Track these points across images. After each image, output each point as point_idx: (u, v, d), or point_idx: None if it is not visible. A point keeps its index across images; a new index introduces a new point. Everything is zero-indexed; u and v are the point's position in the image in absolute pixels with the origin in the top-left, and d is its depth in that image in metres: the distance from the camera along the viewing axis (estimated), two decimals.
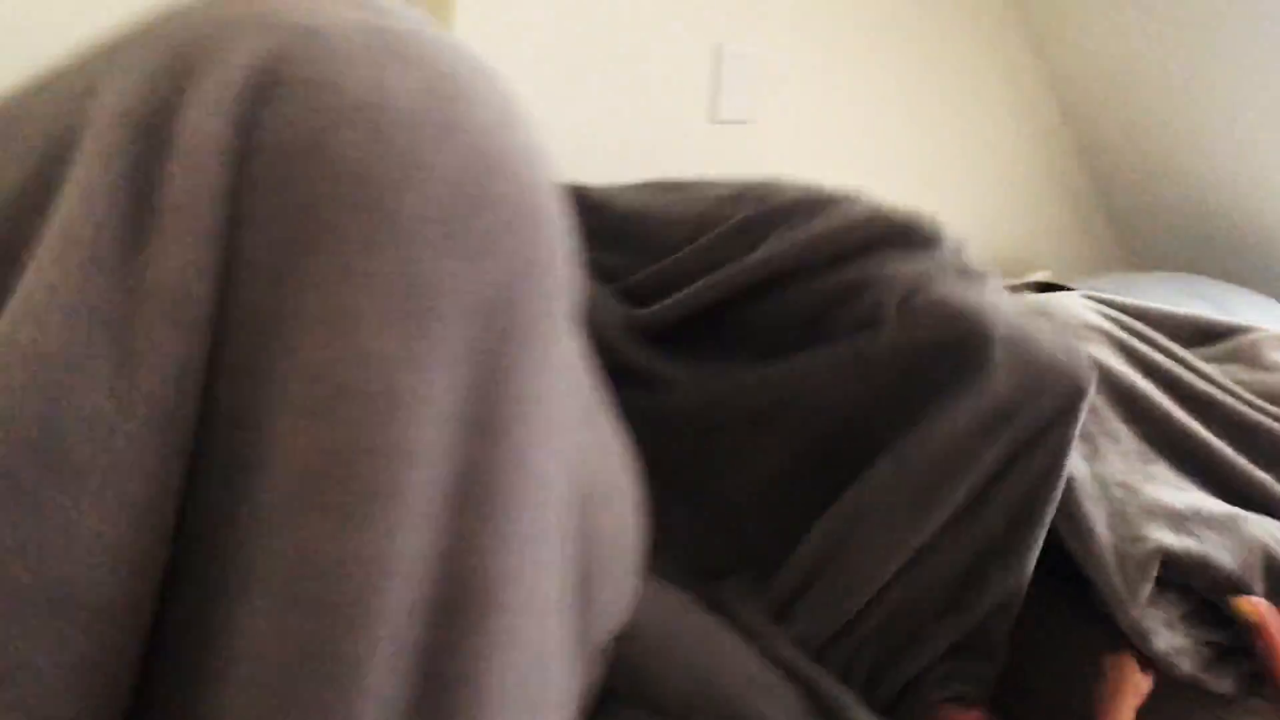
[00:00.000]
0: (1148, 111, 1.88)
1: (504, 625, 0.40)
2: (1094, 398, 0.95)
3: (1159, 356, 1.04)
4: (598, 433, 0.54)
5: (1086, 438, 0.95)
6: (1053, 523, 0.87)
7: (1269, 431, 1.00)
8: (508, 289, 0.40)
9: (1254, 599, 0.57)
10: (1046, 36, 1.95)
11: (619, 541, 0.63)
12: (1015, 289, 1.64)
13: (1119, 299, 1.20)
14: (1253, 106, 1.68)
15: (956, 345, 0.81)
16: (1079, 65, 1.94)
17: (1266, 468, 0.99)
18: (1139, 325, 1.10)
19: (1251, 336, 1.15)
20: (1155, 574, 0.86)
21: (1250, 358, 1.12)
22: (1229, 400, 1.02)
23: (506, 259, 0.40)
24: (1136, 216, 2.12)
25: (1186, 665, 0.84)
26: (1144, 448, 0.97)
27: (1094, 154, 2.08)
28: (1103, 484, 0.92)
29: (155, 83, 0.40)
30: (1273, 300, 1.69)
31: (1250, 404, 1.02)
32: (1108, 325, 1.07)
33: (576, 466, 0.47)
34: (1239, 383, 1.09)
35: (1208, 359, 1.14)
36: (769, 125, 1.73)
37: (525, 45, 1.49)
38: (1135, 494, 0.91)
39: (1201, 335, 1.18)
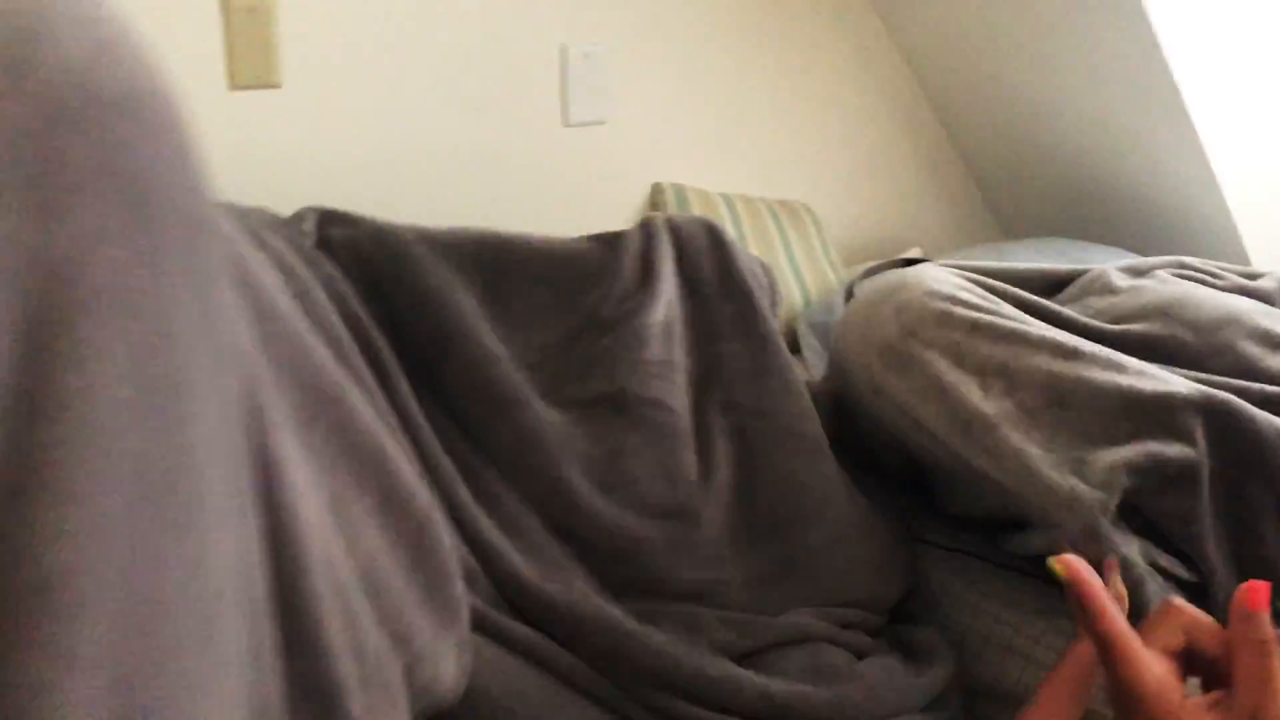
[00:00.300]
0: (1006, 86, 1.90)
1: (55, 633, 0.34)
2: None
3: (1011, 305, 1.06)
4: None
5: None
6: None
7: (1129, 336, 1.05)
8: (78, 256, 0.35)
9: (1066, 556, 0.54)
10: (897, 16, 1.96)
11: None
12: (882, 266, 1.64)
13: (980, 263, 1.22)
14: (1106, 75, 1.71)
15: None
16: (932, 44, 1.95)
17: None
18: (992, 281, 1.11)
19: (1094, 271, 1.20)
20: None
21: (1100, 288, 1.17)
22: (1088, 320, 1.08)
23: (76, 224, 0.34)
24: (1004, 188, 2.15)
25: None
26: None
27: (957, 131, 2.10)
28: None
29: None
30: (1128, 252, 1.72)
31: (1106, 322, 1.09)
32: (962, 283, 1.07)
33: (222, 460, 0.42)
34: (1093, 309, 1.13)
35: (1064, 301, 1.17)
36: (624, 125, 1.70)
37: (363, 58, 1.44)
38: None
39: (1053, 285, 1.21)
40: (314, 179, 1.39)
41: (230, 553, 0.43)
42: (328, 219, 1.00)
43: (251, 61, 1.35)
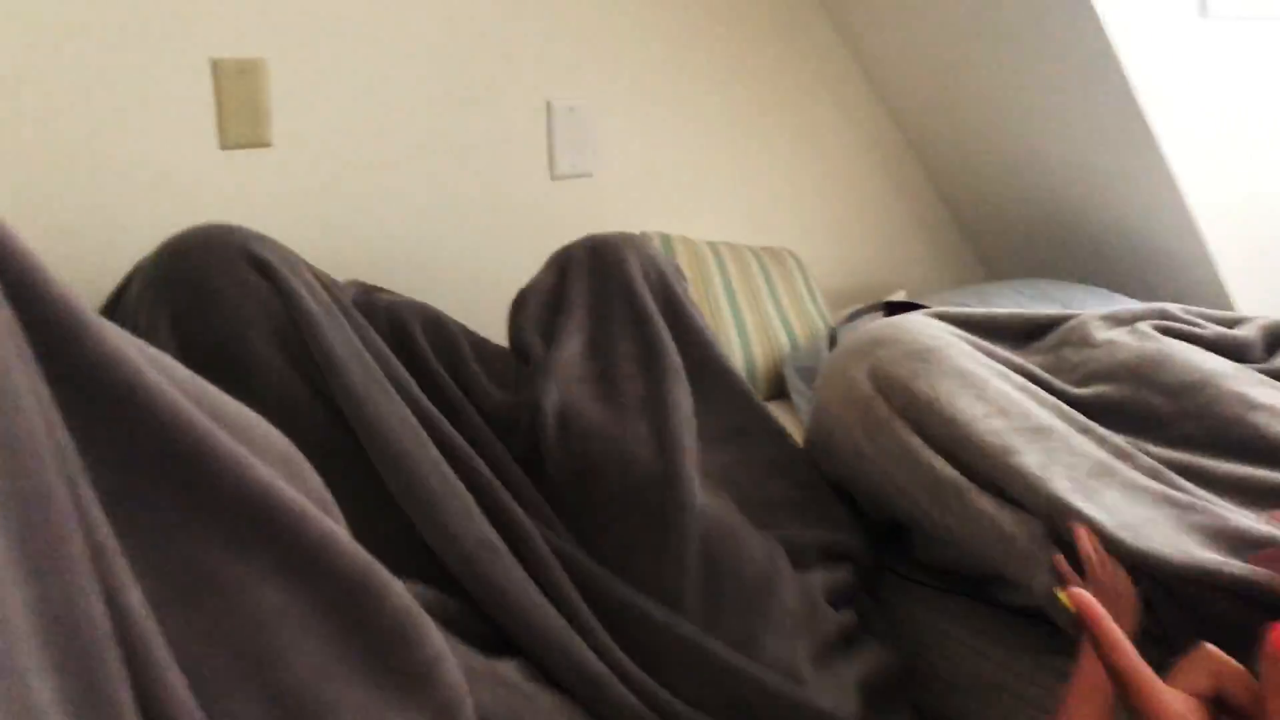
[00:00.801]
0: (985, 132, 1.94)
1: None
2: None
3: (986, 357, 1.08)
4: None
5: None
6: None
7: (1098, 401, 1.08)
8: None
9: (1075, 590, 0.55)
10: (879, 69, 2.00)
11: None
12: (865, 310, 1.66)
13: (962, 310, 1.24)
14: (1080, 119, 1.74)
15: None
16: (912, 92, 1.99)
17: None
18: (975, 338, 1.13)
19: (1075, 321, 1.21)
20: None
21: (1079, 339, 1.18)
22: (1062, 385, 1.11)
23: None
24: (986, 230, 2.18)
25: None
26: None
27: (939, 175, 2.13)
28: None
29: None
30: (1109, 292, 1.75)
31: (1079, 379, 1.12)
32: (939, 334, 1.09)
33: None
34: (1069, 363, 1.16)
35: (1043, 350, 1.19)
36: (610, 176, 1.73)
37: (353, 115, 1.46)
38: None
39: (1034, 330, 1.23)
40: (305, 234, 1.41)
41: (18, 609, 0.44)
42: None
43: (242, 121, 1.37)
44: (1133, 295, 1.75)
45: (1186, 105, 1.68)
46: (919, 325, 1.17)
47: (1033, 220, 2.04)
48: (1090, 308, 1.53)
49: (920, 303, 1.61)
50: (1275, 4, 1.74)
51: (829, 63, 1.98)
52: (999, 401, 1.02)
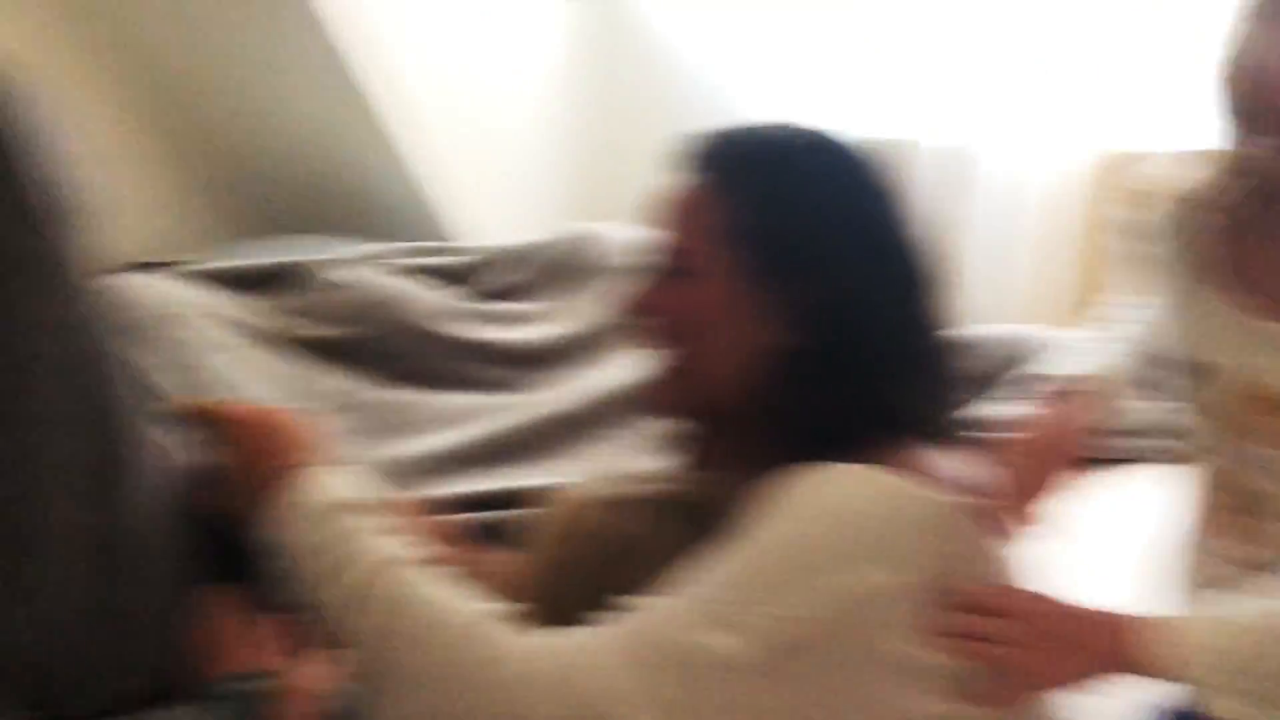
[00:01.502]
0: (222, 102, 2.03)
1: None
2: None
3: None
4: None
5: None
6: None
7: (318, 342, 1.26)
8: None
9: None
10: (122, 37, 1.97)
11: None
12: (120, 269, 1.71)
13: (198, 266, 1.35)
14: (285, 74, 1.91)
15: None
16: (151, 63, 2.01)
17: None
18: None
19: (296, 263, 1.37)
20: None
21: (299, 283, 1.33)
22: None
23: None
24: (238, 191, 2.27)
25: None
26: None
27: (187, 142, 2.17)
28: None
29: None
30: (348, 241, 1.95)
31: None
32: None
33: None
34: (294, 308, 1.33)
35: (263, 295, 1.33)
36: None
37: None
38: None
39: (261, 278, 1.39)
40: None
41: None
42: None
43: None
44: (372, 239, 1.96)
45: (391, 47, 1.88)
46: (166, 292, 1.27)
47: (270, 177, 2.18)
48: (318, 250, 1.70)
49: (174, 260, 1.69)
50: None
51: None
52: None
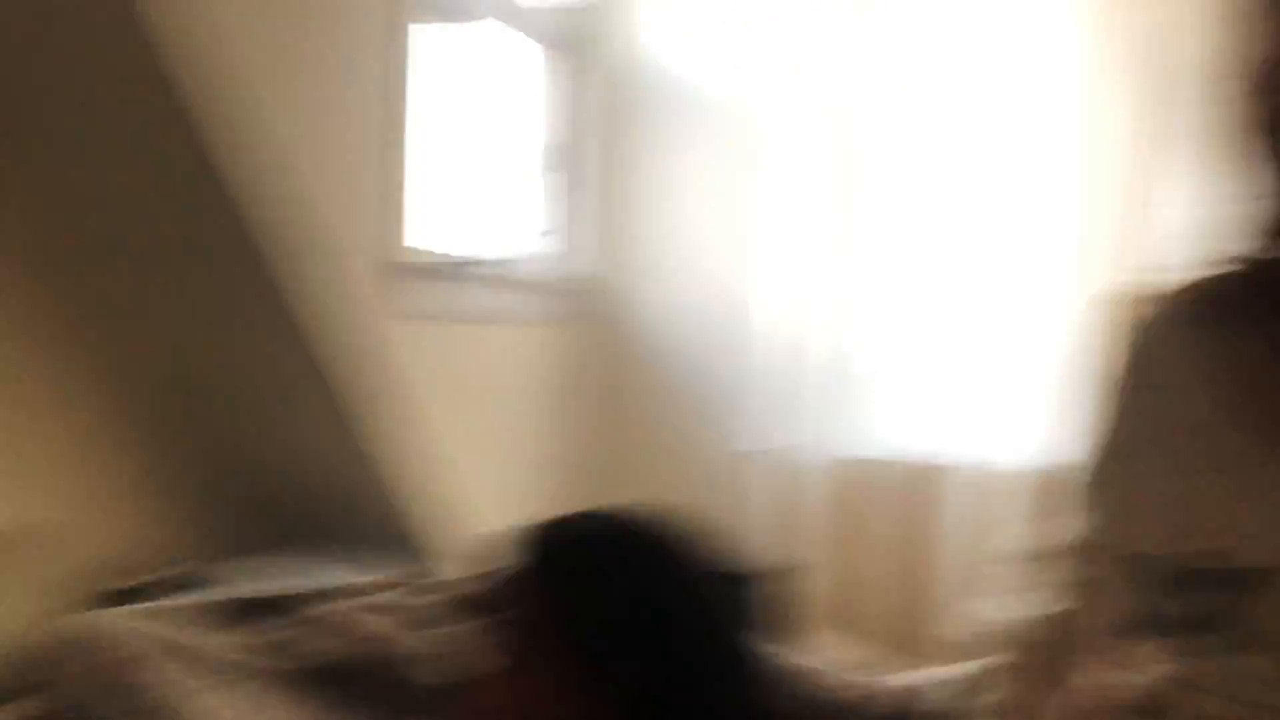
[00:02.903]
0: (212, 417, 2.06)
1: None
2: None
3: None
4: None
5: None
6: None
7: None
8: None
9: None
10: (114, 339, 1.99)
11: None
12: (103, 598, 1.65)
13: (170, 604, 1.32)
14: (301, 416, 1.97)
15: None
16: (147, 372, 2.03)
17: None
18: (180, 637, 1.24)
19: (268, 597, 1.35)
20: None
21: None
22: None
23: None
24: (214, 507, 2.23)
25: None
26: None
27: (177, 454, 2.15)
28: None
29: None
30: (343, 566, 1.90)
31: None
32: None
33: None
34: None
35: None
36: None
37: None
38: None
39: (246, 610, 1.35)
40: None
41: None
42: None
43: None
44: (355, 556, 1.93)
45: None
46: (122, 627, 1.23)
47: (257, 498, 2.17)
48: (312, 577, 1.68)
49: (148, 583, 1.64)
50: None
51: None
52: None
